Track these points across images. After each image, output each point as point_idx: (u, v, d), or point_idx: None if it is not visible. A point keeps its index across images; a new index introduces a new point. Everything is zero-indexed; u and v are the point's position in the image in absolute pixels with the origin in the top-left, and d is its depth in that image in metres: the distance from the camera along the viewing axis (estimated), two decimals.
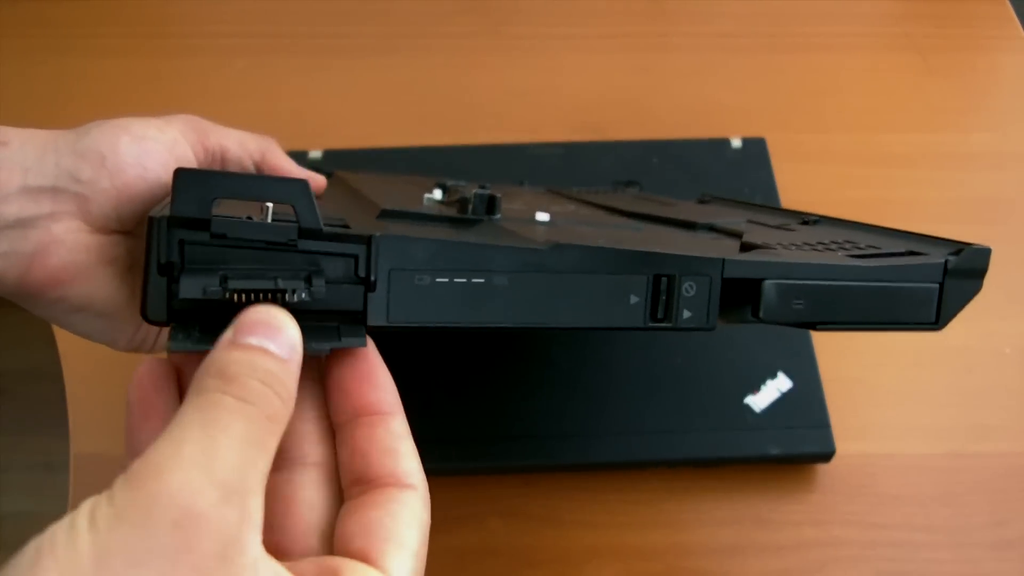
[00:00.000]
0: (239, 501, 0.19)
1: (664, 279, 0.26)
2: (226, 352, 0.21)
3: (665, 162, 0.52)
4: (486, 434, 0.42)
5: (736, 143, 0.53)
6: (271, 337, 0.21)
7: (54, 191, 0.29)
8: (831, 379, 0.43)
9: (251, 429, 0.20)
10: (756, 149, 0.53)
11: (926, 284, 0.28)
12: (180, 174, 0.22)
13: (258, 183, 0.23)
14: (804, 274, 0.27)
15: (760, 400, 0.42)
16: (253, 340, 0.21)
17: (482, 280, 0.24)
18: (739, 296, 0.27)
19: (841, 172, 0.54)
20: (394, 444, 0.25)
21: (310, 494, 0.25)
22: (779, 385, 0.43)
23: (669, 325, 0.26)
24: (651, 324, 0.26)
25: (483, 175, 0.51)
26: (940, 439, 0.44)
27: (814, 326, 0.27)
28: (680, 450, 0.42)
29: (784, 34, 0.62)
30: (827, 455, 0.42)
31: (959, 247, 0.29)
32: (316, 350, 0.23)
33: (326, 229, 0.23)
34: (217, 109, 0.59)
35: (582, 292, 0.25)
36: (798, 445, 0.41)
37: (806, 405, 0.42)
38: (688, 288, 0.26)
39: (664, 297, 0.26)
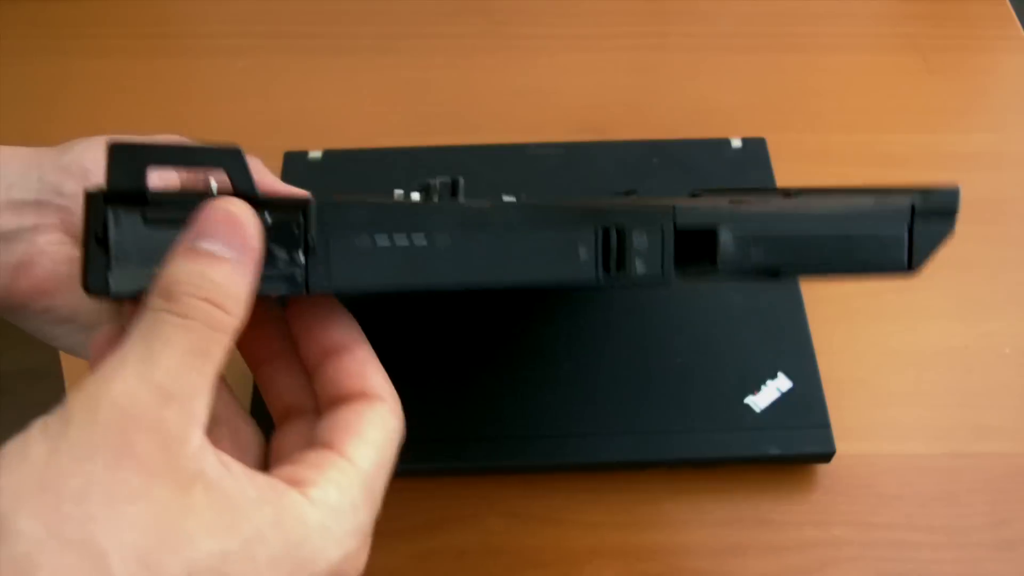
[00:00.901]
0: (179, 403, 0.21)
1: (614, 232, 0.25)
2: (175, 265, 0.22)
3: (665, 162, 0.52)
4: (486, 434, 0.42)
5: (736, 143, 0.53)
6: (226, 238, 0.22)
7: (38, 204, 0.30)
8: (831, 379, 0.43)
9: (191, 339, 0.21)
10: (756, 149, 0.53)
11: (892, 226, 0.27)
12: (113, 148, 0.23)
13: (190, 151, 0.23)
14: (760, 219, 0.26)
15: (760, 400, 0.42)
16: (205, 245, 0.22)
17: (424, 242, 0.24)
18: (696, 249, 0.26)
19: (841, 172, 0.54)
20: (360, 368, 0.26)
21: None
22: (779, 385, 0.43)
23: (623, 279, 0.25)
24: (604, 279, 0.25)
25: (483, 175, 0.51)
26: (940, 439, 0.44)
27: (776, 274, 0.27)
28: (680, 450, 0.42)
29: (784, 34, 0.62)
30: (827, 455, 0.42)
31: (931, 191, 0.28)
32: (266, 291, 0.23)
33: (261, 196, 0.23)
34: (217, 109, 0.59)
35: (529, 249, 0.25)
36: (798, 445, 0.41)
37: (806, 405, 0.42)
38: (639, 240, 0.25)
39: (615, 251, 0.25)
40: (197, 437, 0.21)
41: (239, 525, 0.20)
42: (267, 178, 0.36)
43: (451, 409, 0.42)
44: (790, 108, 0.57)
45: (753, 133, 0.54)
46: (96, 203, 0.23)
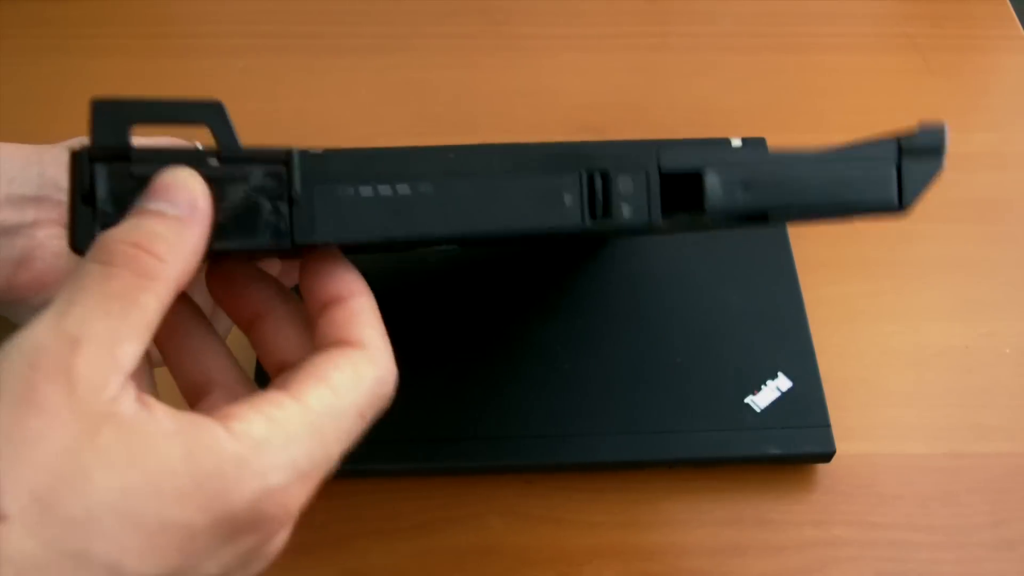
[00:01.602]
0: (92, 349, 0.20)
1: (599, 177, 0.25)
2: (119, 225, 0.22)
3: None
4: (486, 434, 0.42)
5: (736, 143, 0.53)
6: (170, 198, 0.22)
7: (38, 200, 0.30)
8: (831, 379, 0.43)
9: (112, 286, 0.21)
10: (756, 149, 0.53)
11: (880, 164, 0.27)
12: (95, 105, 0.23)
13: (172, 106, 0.23)
14: (747, 162, 0.26)
15: (760, 400, 0.42)
16: (151, 205, 0.22)
17: (408, 191, 0.24)
18: (683, 194, 0.26)
19: None
20: (349, 317, 0.25)
21: None
22: (779, 385, 0.43)
23: (609, 225, 0.25)
24: (590, 224, 0.25)
25: None
26: (940, 439, 0.44)
27: (765, 218, 0.26)
28: (680, 450, 0.41)
29: (784, 34, 0.62)
30: (827, 455, 0.42)
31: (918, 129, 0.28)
32: (253, 244, 0.24)
33: (244, 149, 0.23)
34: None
35: (513, 195, 0.25)
36: (798, 445, 0.41)
37: (806, 405, 0.42)
38: (624, 183, 0.25)
39: (601, 195, 0.25)
40: (115, 383, 0.20)
41: (145, 460, 0.20)
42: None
43: (451, 409, 0.42)
44: (790, 108, 0.57)
45: (753, 133, 0.54)
46: (81, 161, 0.23)
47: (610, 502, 0.42)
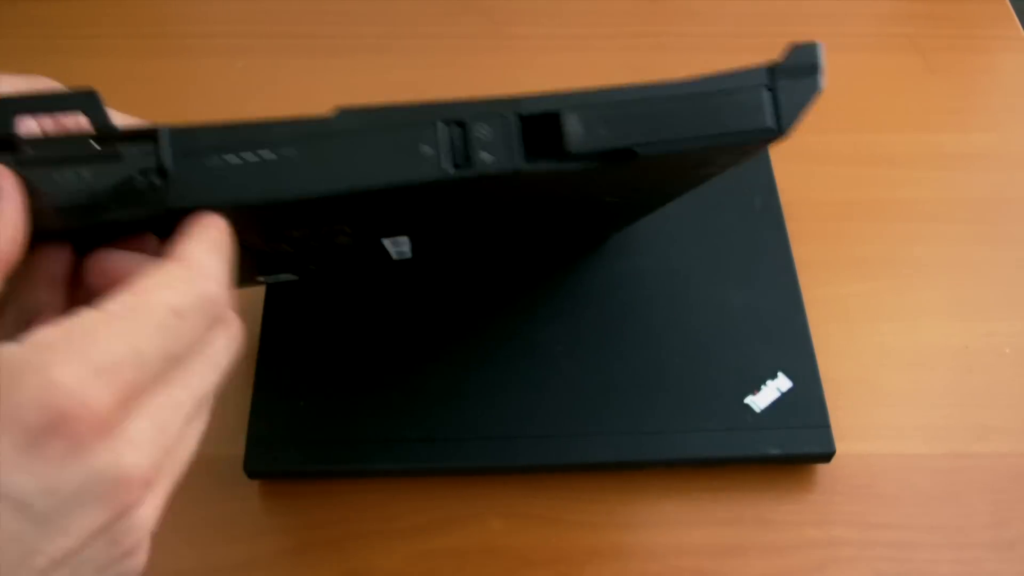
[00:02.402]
0: None
1: (456, 127, 0.25)
2: None
3: None
4: (486, 434, 0.42)
5: None
6: None
7: None
8: (831, 379, 0.43)
9: None
10: None
11: (751, 87, 0.26)
12: None
13: (50, 99, 0.25)
14: (608, 97, 0.26)
15: (760, 400, 0.42)
16: None
17: (272, 155, 0.25)
18: (546, 138, 0.26)
19: (841, 172, 0.54)
20: (178, 238, 0.25)
21: None
22: (779, 385, 0.43)
23: (471, 172, 0.25)
24: (452, 173, 0.25)
25: None
26: (940, 439, 0.44)
27: (633, 153, 0.26)
28: (680, 450, 0.41)
29: (784, 34, 0.62)
30: (827, 455, 0.42)
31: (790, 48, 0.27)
32: (128, 215, 0.25)
33: (118, 129, 0.25)
34: (217, 109, 0.59)
35: (374, 152, 0.25)
36: (798, 445, 0.41)
37: (806, 405, 0.42)
38: (482, 131, 0.25)
39: (461, 144, 0.25)
40: None
41: None
42: (129, 120, 0.36)
43: (451, 409, 0.42)
44: None
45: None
46: None
47: (610, 502, 0.42)
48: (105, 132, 0.25)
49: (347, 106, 0.25)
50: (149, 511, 0.23)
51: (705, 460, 0.42)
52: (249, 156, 0.25)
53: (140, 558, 0.24)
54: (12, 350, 0.20)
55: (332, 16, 0.63)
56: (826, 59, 0.27)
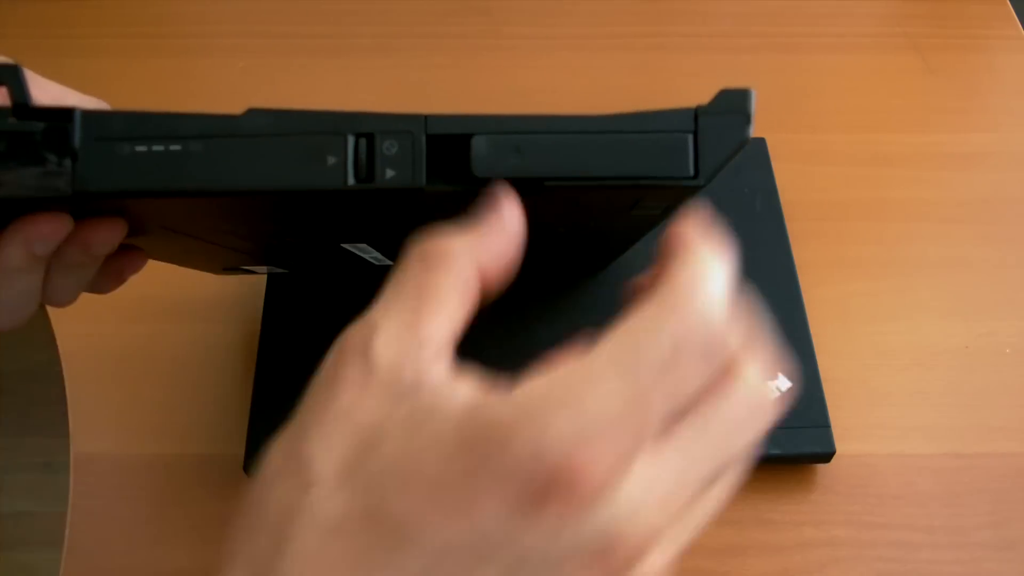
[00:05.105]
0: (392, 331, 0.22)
1: (363, 139, 0.26)
2: None
3: None
4: None
5: None
6: None
7: None
8: (831, 379, 0.43)
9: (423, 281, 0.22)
10: (756, 149, 0.53)
11: (673, 128, 0.25)
12: None
13: None
14: (523, 125, 0.25)
15: None
16: None
17: (179, 147, 0.25)
18: (453, 161, 0.26)
19: (841, 172, 0.54)
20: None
21: None
22: (779, 385, 0.43)
23: (373, 186, 0.25)
24: (353, 184, 0.25)
25: None
26: (940, 439, 0.44)
27: (541, 185, 0.25)
28: None
29: (784, 34, 0.62)
30: (827, 455, 0.42)
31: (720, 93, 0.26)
32: (37, 192, 0.25)
33: (33, 106, 0.25)
34: (217, 109, 0.59)
35: (280, 155, 0.25)
36: (798, 445, 0.41)
37: (806, 405, 0.42)
38: (388, 146, 0.25)
39: (365, 157, 0.25)
40: (413, 359, 0.21)
41: (428, 426, 0.21)
42: (54, 91, 0.36)
43: None
44: (789, 108, 0.57)
45: (753, 133, 0.54)
46: None
47: None
48: (23, 108, 0.25)
49: (257, 107, 0.26)
50: (653, 563, 0.21)
51: None
52: (157, 146, 0.25)
53: None
54: (501, 405, 0.20)
55: (332, 16, 0.63)
56: (755, 107, 0.26)
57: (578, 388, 0.19)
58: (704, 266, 0.22)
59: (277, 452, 0.21)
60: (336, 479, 0.20)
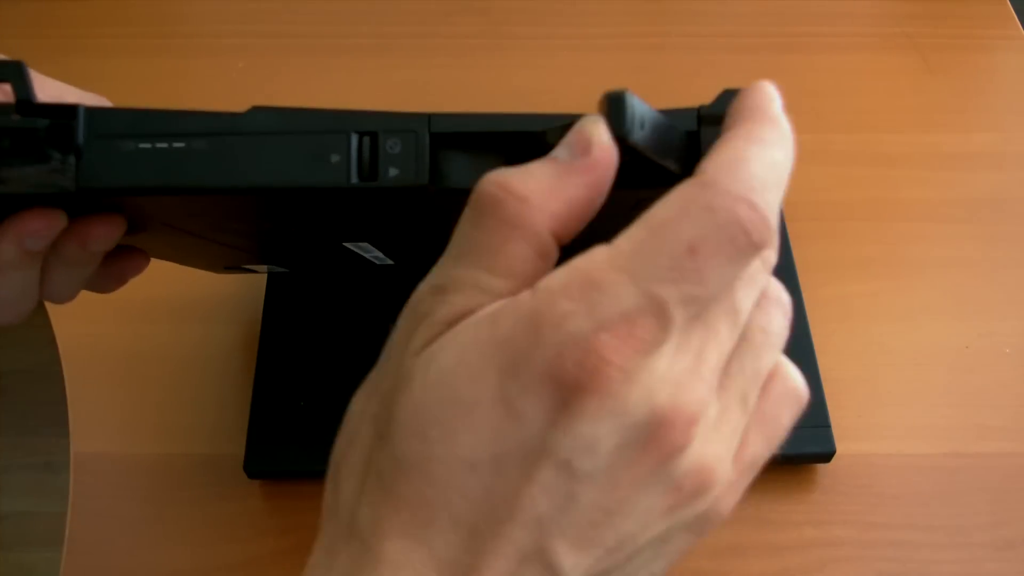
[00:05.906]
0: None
1: (367, 138, 0.26)
2: None
3: None
4: None
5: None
6: None
7: None
8: (831, 379, 0.43)
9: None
10: None
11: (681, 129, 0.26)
12: None
13: None
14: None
15: None
16: None
17: (183, 145, 0.25)
18: (457, 157, 0.26)
19: (841, 172, 0.54)
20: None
21: None
22: None
23: (377, 184, 0.26)
24: (357, 183, 0.26)
25: None
26: (940, 439, 0.44)
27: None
28: None
29: (784, 34, 0.62)
30: (827, 455, 0.42)
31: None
32: (41, 188, 0.25)
33: (37, 103, 0.25)
34: (217, 109, 0.59)
35: (283, 153, 0.26)
36: (798, 445, 0.41)
37: (806, 405, 0.42)
38: (392, 145, 0.26)
39: (368, 156, 0.26)
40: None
41: (465, 348, 0.20)
42: (54, 88, 0.36)
43: None
44: (790, 108, 0.57)
45: None
46: None
47: None
48: (26, 105, 0.25)
49: (260, 106, 0.26)
50: (706, 448, 0.21)
51: None
52: (160, 143, 0.25)
53: (718, 501, 0.23)
54: (525, 302, 0.19)
55: (332, 16, 0.63)
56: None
57: (594, 282, 0.19)
58: (752, 144, 0.21)
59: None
60: (409, 429, 0.20)
